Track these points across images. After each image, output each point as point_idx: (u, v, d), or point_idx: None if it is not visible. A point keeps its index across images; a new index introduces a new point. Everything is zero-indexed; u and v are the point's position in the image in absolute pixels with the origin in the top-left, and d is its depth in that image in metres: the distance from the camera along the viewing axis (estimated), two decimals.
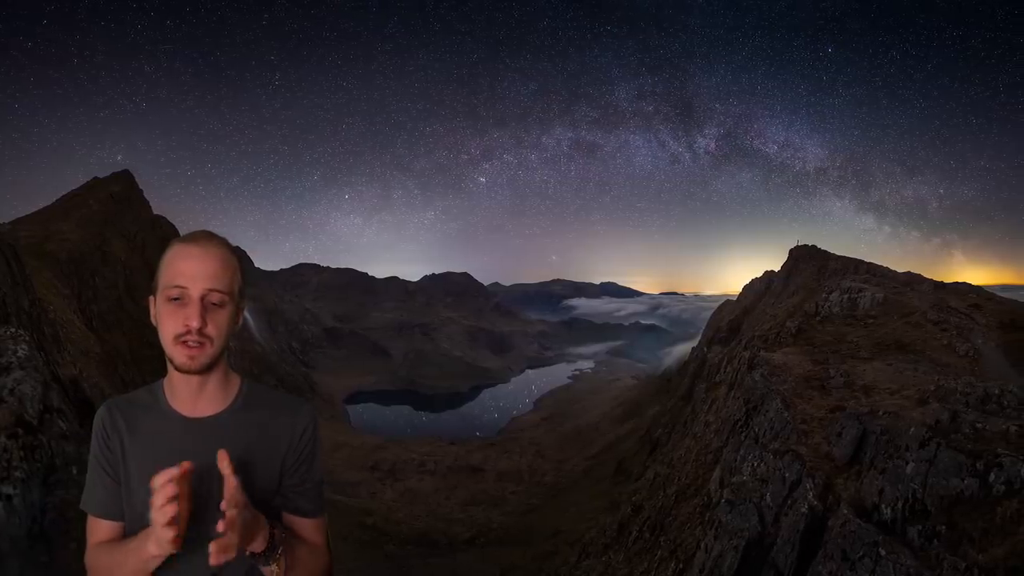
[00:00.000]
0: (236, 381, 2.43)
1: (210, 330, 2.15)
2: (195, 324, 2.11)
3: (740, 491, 15.81)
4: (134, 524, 2.25)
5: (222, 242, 2.27)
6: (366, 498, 55.07)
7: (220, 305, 2.18)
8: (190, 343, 2.13)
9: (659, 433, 47.64)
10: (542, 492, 57.97)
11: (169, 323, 2.13)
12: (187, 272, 2.13)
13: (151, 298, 2.23)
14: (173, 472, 1.91)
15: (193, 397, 2.31)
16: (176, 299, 2.13)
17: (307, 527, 2.48)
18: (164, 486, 1.90)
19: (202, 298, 2.13)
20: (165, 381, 2.35)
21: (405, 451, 71.82)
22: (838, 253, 58.94)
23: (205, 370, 2.21)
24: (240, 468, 2.08)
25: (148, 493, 1.97)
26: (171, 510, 1.90)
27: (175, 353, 2.15)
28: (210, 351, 2.18)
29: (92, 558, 2.28)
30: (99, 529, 2.32)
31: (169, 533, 1.91)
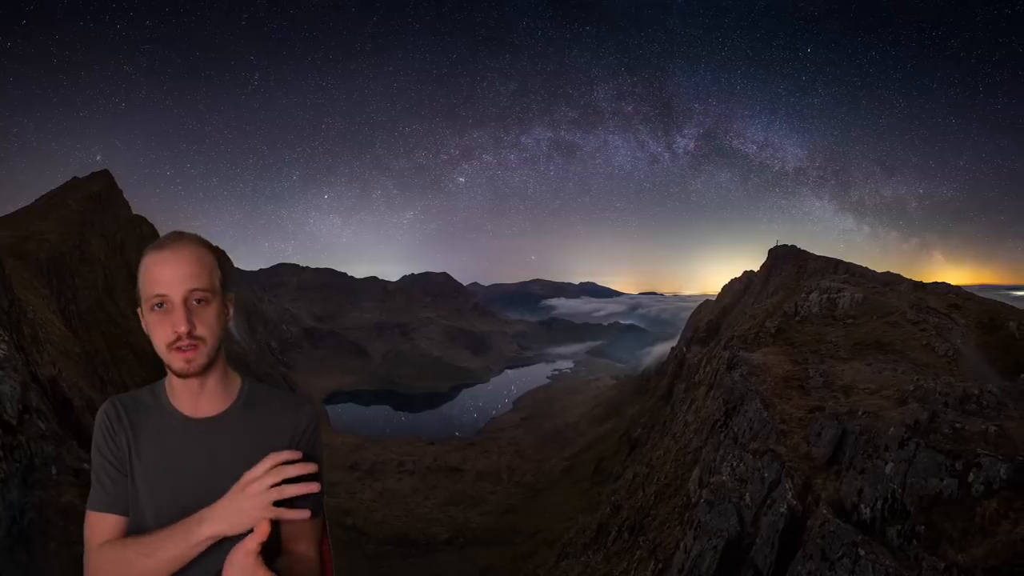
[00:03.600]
0: (236, 381, 2.41)
1: (200, 331, 2.13)
2: (183, 329, 2.08)
3: (719, 491, 15.81)
4: (138, 523, 2.21)
5: (193, 239, 2.23)
6: (345, 498, 54.82)
7: (204, 303, 2.15)
8: (183, 348, 2.10)
9: (638, 433, 47.73)
10: (521, 492, 57.97)
11: (159, 332, 2.11)
12: (164, 279, 2.10)
13: (139, 309, 2.19)
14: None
15: (194, 397, 2.28)
16: (160, 307, 2.11)
17: (305, 527, 2.42)
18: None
19: (185, 301, 2.10)
20: (166, 381, 2.31)
21: (384, 451, 71.69)
22: (817, 253, 59.46)
23: (203, 371, 2.18)
24: (243, 467, 2.12)
25: (151, 492, 2.12)
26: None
27: (171, 360, 2.13)
28: (205, 351, 2.16)
29: (100, 557, 2.15)
30: (104, 525, 2.22)
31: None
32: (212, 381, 2.28)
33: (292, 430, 2.40)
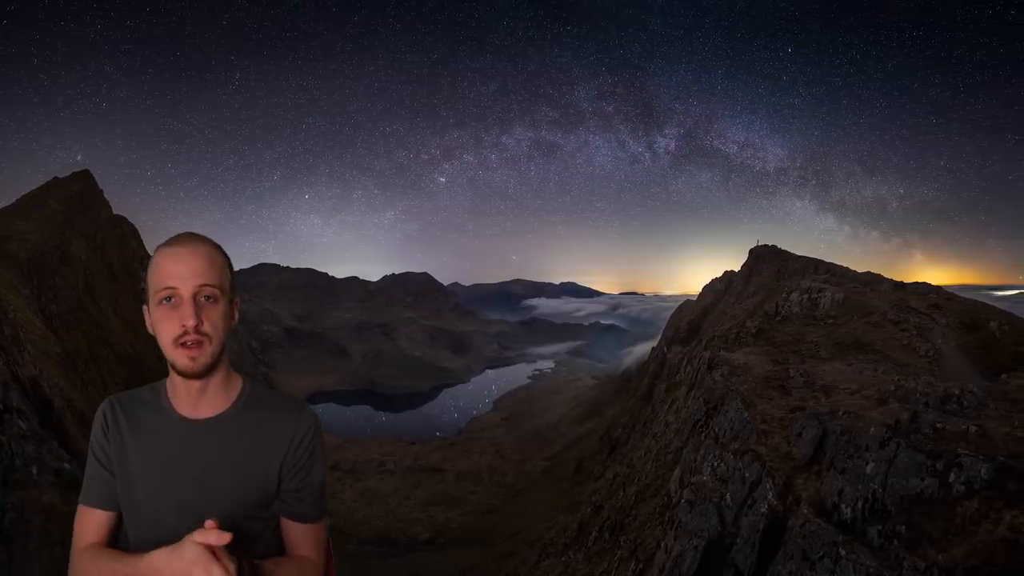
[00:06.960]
0: (238, 382, 2.42)
1: (207, 328, 2.13)
2: (191, 323, 2.08)
3: (700, 491, 15.78)
4: (134, 525, 2.24)
5: (206, 240, 2.25)
6: None
7: (213, 301, 2.16)
8: (189, 344, 2.10)
9: (619, 433, 47.76)
10: (502, 492, 57.91)
11: (166, 327, 2.11)
12: (175, 272, 2.10)
13: (144, 308, 2.20)
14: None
15: (195, 398, 2.28)
16: (168, 300, 2.11)
17: (306, 532, 2.44)
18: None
19: (194, 296, 2.11)
20: (168, 380, 2.33)
21: (365, 451, 71.48)
22: (798, 253, 59.87)
23: (207, 371, 2.19)
24: (239, 470, 2.24)
25: (149, 491, 2.16)
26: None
27: (176, 357, 2.12)
28: (210, 350, 2.16)
29: (83, 561, 2.12)
30: (91, 519, 2.25)
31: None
32: (214, 383, 2.28)
33: (291, 434, 2.40)
